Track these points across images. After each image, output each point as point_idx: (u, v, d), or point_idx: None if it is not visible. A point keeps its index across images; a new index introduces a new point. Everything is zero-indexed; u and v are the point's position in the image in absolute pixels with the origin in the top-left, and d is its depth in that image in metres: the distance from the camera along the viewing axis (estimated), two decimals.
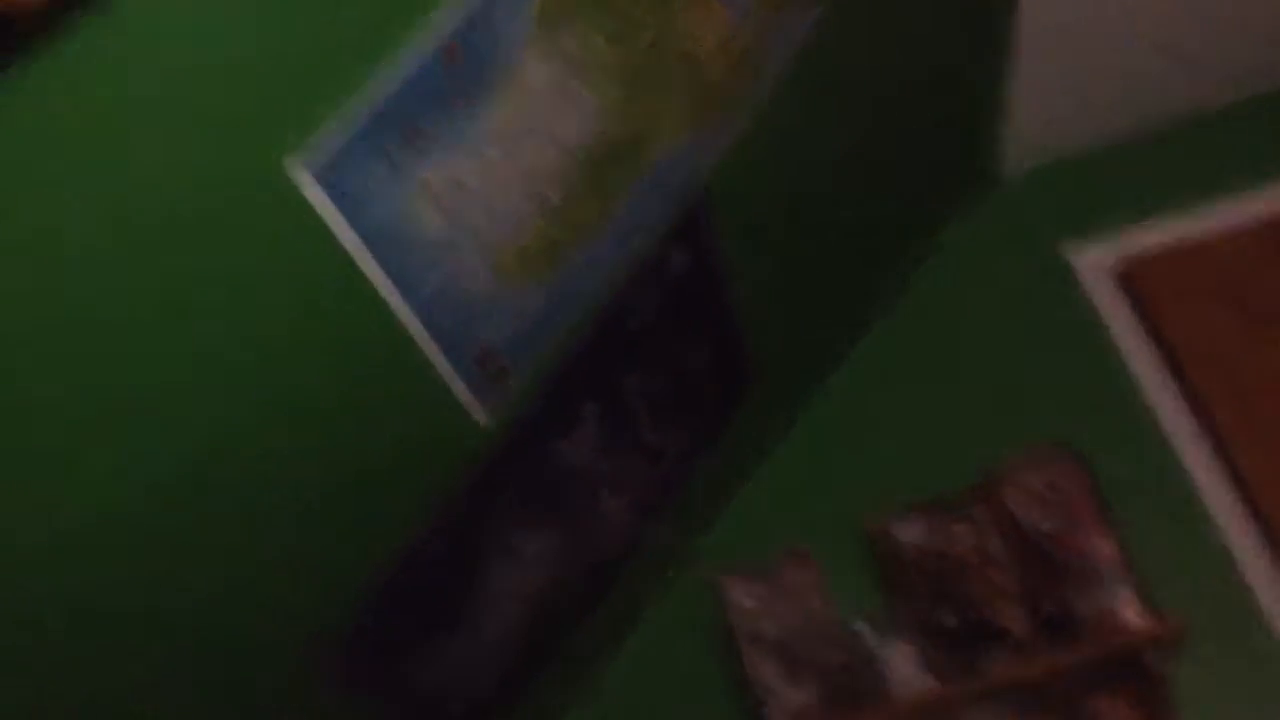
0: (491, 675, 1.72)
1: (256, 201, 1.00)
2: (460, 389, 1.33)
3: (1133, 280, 2.27)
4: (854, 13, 1.64)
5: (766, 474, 2.26)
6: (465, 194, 1.19)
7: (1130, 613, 1.91)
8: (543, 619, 1.76)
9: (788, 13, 1.52)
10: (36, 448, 0.95)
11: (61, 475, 0.98)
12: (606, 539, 1.82)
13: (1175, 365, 2.18)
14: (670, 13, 1.31)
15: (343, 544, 1.34)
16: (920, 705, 1.87)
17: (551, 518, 1.66)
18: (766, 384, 2.06)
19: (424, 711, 1.62)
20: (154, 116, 0.89)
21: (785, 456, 2.27)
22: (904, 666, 1.96)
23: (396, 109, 1.07)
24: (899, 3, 1.79)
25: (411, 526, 1.42)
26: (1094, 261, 2.33)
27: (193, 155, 0.93)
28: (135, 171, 0.90)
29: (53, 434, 0.96)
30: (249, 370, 1.09)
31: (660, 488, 1.91)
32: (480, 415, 1.39)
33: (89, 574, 1.06)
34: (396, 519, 1.40)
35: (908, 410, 2.27)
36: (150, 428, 1.03)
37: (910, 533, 2.06)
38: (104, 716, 1.16)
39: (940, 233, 2.43)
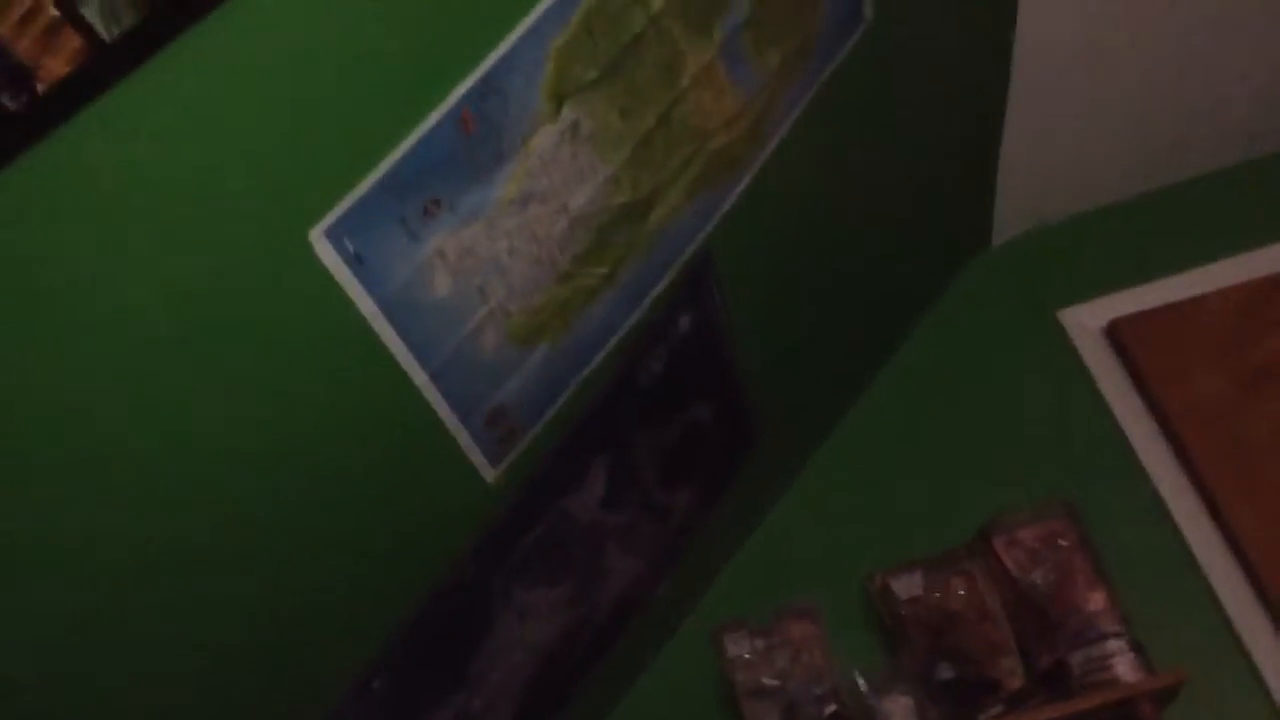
0: None
1: (280, 273, 1.03)
2: (470, 449, 1.36)
3: (1122, 340, 2.32)
4: (854, 80, 1.69)
5: (769, 530, 2.29)
6: (478, 261, 1.23)
7: (1124, 666, 1.93)
8: (547, 671, 1.77)
9: (793, 83, 1.57)
10: (50, 513, 0.98)
11: (77, 541, 1.00)
12: (612, 594, 1.84)
13: (1165, 422, 2.22)
14: (680, 90, 1.36)
15: (351, 604, 1.36)
16: None
17: (559, 574, 1.68)
18: (770, 441, 2.09)
19: None
20: (183, 194, 0.93)
21: (787, 513, 2.30)
22: (901, 718, 1.98)
23: (415, 180, 1.11)
24: (899, 69, 1.85)
25: (420, 585, 1.44)
26: (1084, 322, 2.38)
27: (219, 232, 0.97)
28: (163, 249, 0.93)
29: (65, 500, 0.98)
30: (267, 434, 1.12)
31: (666, 544, 1.93)
32: (489, 475, 1.42)
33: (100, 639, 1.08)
34: (405, 578, 1.42)
35: (906, 468, 2.31)
36: (168, 487, 1.05)
37: (908, 587, 2.08)
38: None
39: (935, 294, 2.48)
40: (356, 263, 1.08)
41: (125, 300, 0.93)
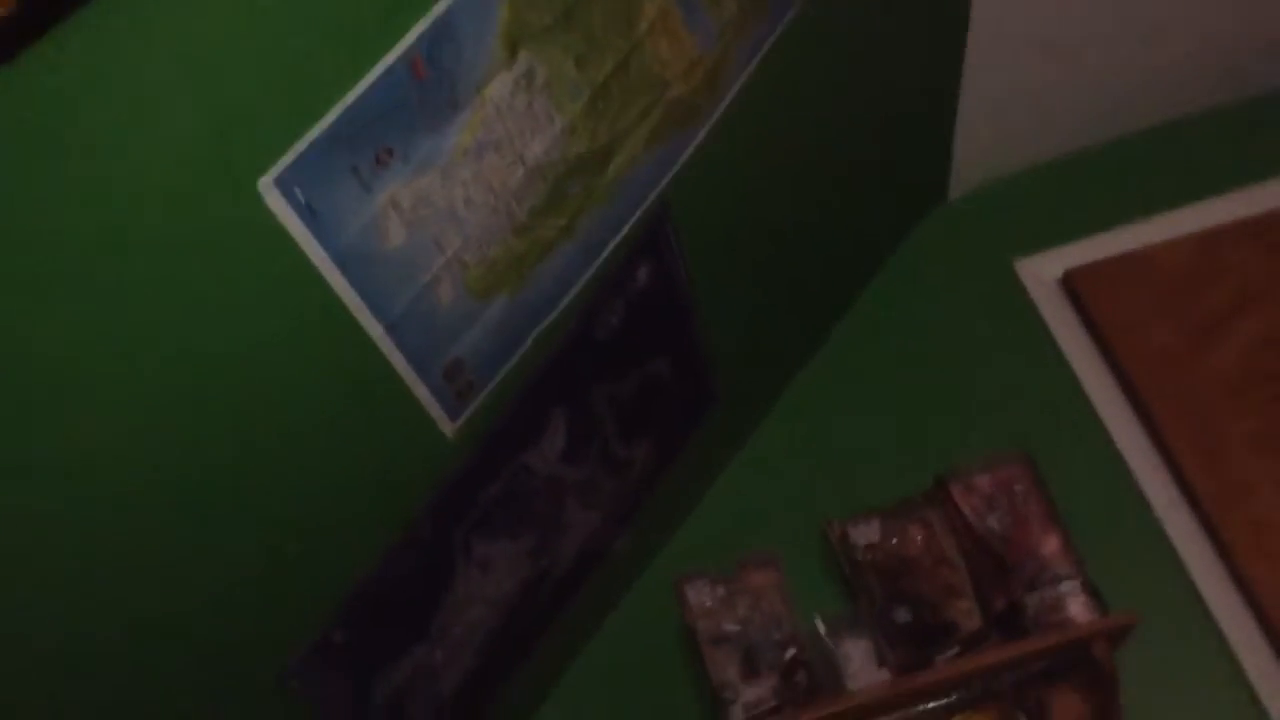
0: (457, 679, 1.74)
1: (228, 223, 1.02)
2: (428, 403, 1.35)
3: (1077, 290, 2.34)
4: (811, 31, 1.68)
5: (729, 481, 2.30)
6: (433, 211, 1.21)
7: (1078, 607, 1.96)
8: (509, 623, 1.78)
9: (751, 32, 1.56)
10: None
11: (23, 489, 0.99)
12: (573, 546, 1.85)
13: (1119, 370, 2.25)
14: (638, 38, 1.34)
15: (311, 557, 1.36)
16: (874, 699, 1.91)
17: (519, 527, 1.69)
18: (729, 393, 2.10)
19: (397, 711, 1.64)
20: (125, 141, 0.90)
21: (747, 464, 2.32)
22: (860, 663, 2.01)
23: (366, 128, 1.09)
24: (855, 23, 1.84)
25: (379, 539, 1.44)
26: (1040, 273, 2.40)
27: (165, 179, 0.95)
28: (107, 197, 0.91)
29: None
30: (219, 386, 1.11)
31: (626, 496, 1.94)
32: (448, 428, 1.41)
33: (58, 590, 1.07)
34: (364, 532, 1.42)
35: (865, 418, 2.33)
36: (117, 441, 1.04)
37: (866, 535, 2.11)
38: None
39: (892, 247, 2.49)
40: (308, 213, 1.06)
41: (70, 253, 0.91)
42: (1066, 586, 1.98)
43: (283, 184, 1.03)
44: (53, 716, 1.15)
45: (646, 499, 2.01)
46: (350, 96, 1.05)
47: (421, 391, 1.33)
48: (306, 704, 1.46)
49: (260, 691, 1.39)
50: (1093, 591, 1.98)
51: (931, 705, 1.95)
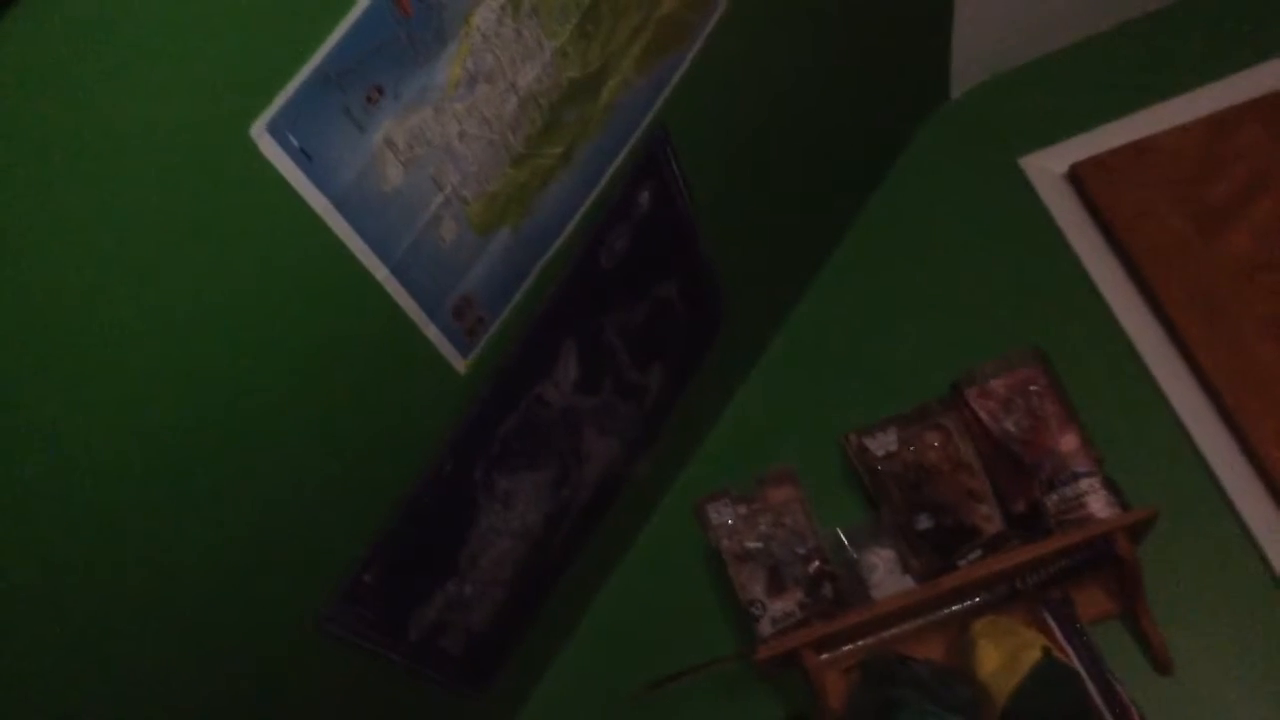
0: (487, 612, 1.76)
1: (226, 172, 1.00)
2: (439, 342, 1.35)
3: (1084, 183, 2.31)
4: None
5: (745, 399, 2.31)
6: (429, 148, 1.20)
7: (1098, 504, 1.97)
8: (535, 554, 1.80)
9: None
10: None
11: (46, 446, 0.99)
12: (593, 475, 1.86)
13: (1129, 262, 2.23)
14: None
15: (333, 502, 1.37)
16: (900, 606, 1.93)
17: (538, 459, 1.69)
18: (739, 312, 2.09)
19: (424, 652, 1.66)
20: (110, 96, 0.89)
21: (761, 381, 2.32)
22: (884, 571, 2.03)
23: (354, 67, 1.07)
24: None
25: (402, 480, 1.45)
26: (1046, 167, 2.37)
27: (155, 132, 0.93)
28: (97, 153, 0.90)
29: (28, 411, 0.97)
30: (225, 337, 1.10)
31: (643, 422, 1.94)
32: (460, 366, 1.41)
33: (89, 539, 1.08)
34: (387, 474, 1.43)
35: (877, 327, 2.32)
36: (125, 395, 1.04)
37: (884, 444, 2.11)
38: (104, 673, 1.19)
39: (896, 151, 2.46)
40: (303, 157, 1.05)
41: (69, 211, 0.90)
42: (1086, 484, 1.99)
43: (275, 129, 1.01)
44: (100, 660, 1.17)
45: (663, 422, 2.02)
46: (335, 35, 1.03)
47: (431, 331, 1.33)
48: (344, 644, 1.48)
49: (299, 635, 1.41)
50: (1112, 487, 1.98)
51: (956, 608, 1.97)
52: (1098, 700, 1.84)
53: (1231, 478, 2.03)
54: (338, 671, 1.54)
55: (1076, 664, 1.87)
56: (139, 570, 1.14)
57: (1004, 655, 1.85)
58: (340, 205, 1.11)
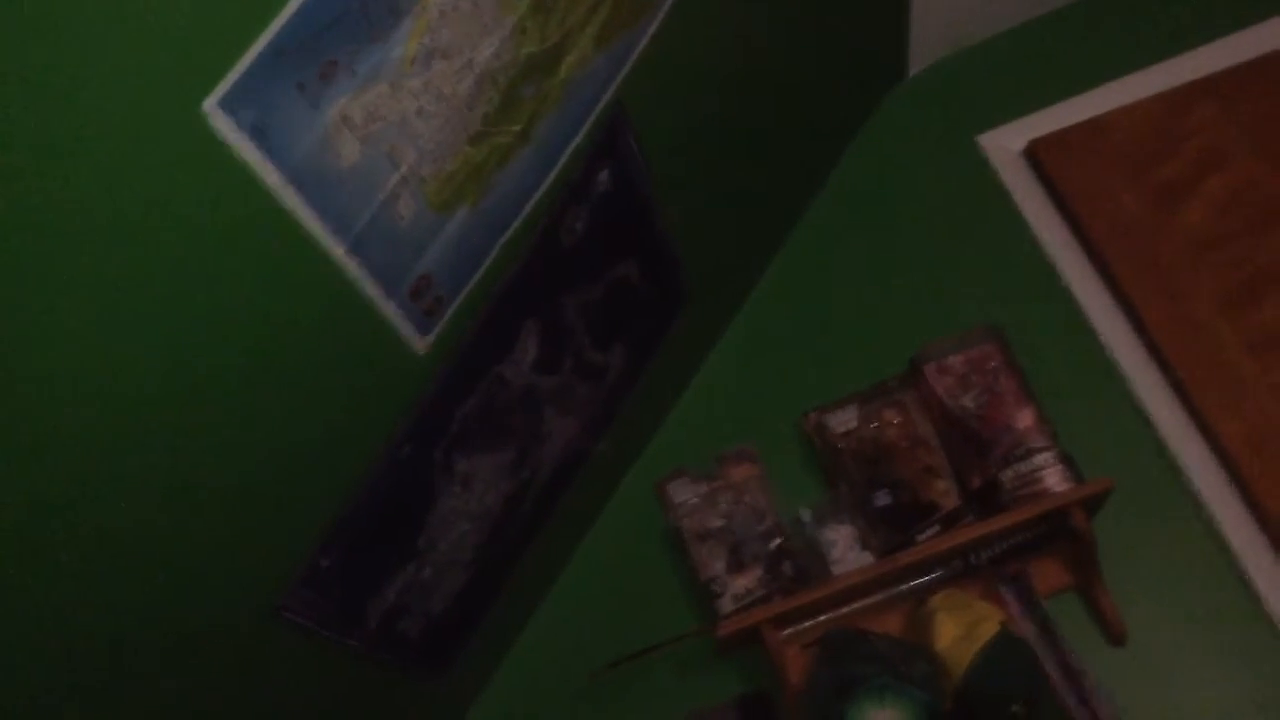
0: (447, 594, 1.75)
1: (178, 149, 0.98)
2: (398, 321, 1.33)
3: (1041, 160, 2.33)
4: None
5: (705, 379, 2.31)
6: (386, 124, 1.18)
7: (1054, 478, 1.99)
8: (495, 536, 1.79)
9: None
10: None
11: None
12: (553, 455, 1.85)
13: (1086, 239, 2.25)
14: None
15: (293, 485, 1.35)
16: (858, 581, 1.94)
17: (498, 440, 1.68)
18: (699, 291, 2.08)
19: (384, 636, 1.65)
20: (58, 73, 0.86)
21: (721, 361, 2.32)
22: (844, 548, 2.04)
23: (308, 42, 1.05)
24: None
25: (360, 462, 1.43)
26: (1004, 145, 2.38)
27: (105, 109, 0.91)
28: (44, 121, 0.87)
29: None
30: (177, 316, 1.08)
31: (603, 402, 1.94)
32: (420, 346, 1.39)
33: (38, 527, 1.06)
34: (344, 456, 1.41)
35: (836, 305, 2.33)
36: (80, 377, 1.02)
37: (843, 422, 2.12)
38: (51, 671, 1.17)
39: (853, 128, 2.46)
40: (257, 133, 1.03)
41: (17, 191, 0.87)
42: (1042, 459, 2.01)
43: (227, 105, 0.99)
44: (53, 661, 1.15)
45: (624, 403, 2.01)
46: (289, 9, 1.01)
47: (390, 310, 1.31)
48: (302, 631, 1.47)
49: (257, 621, 1.40)
50: (1068, 462, 2.00)
51: (915, 583, 1.99)
52: (1053, 672, 1.87)
53: (1184, 450, 2.06)
54: (296, 657, 1.52)
55: (1032, 636, 1.90)
56: (87, 558, 1.12)
57: (961, 628, 1.87)
58: (295, 182, 1.09)
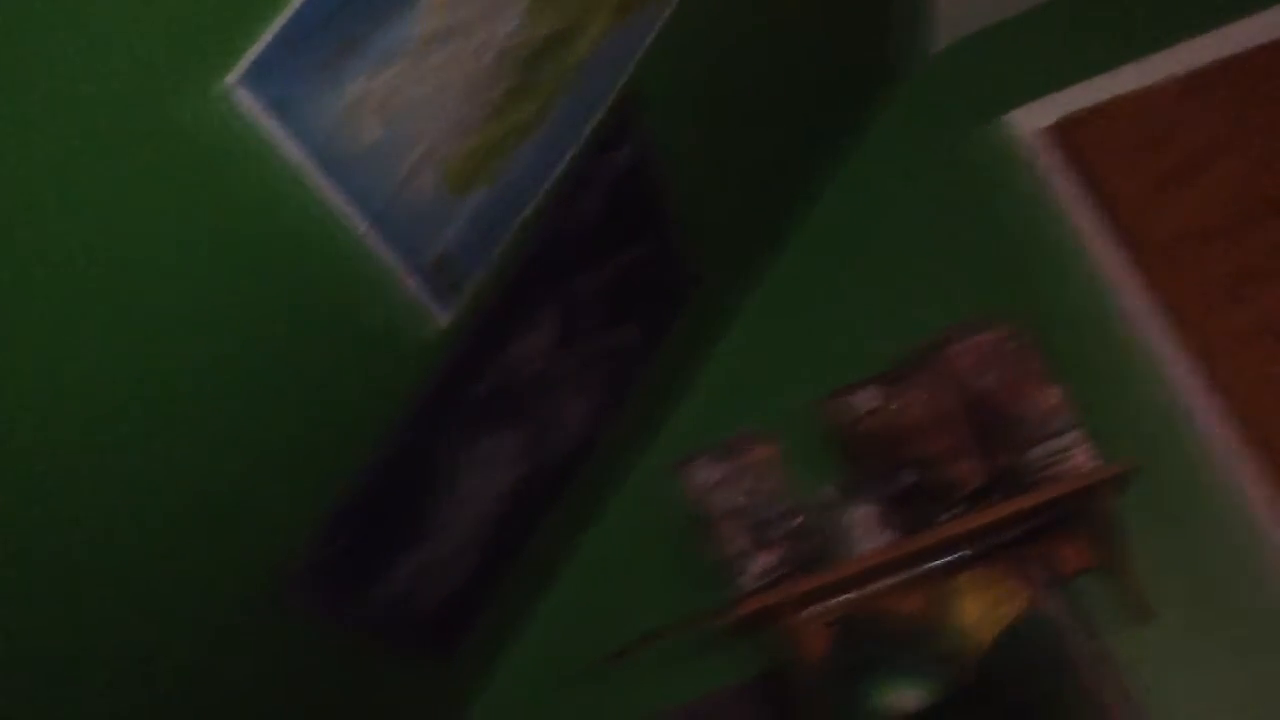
0: (461, 574, 1.77)
1: (201, 126, 1.00)
2: (417, 297, 1.35)
3: (1067, 138, 2.31)
4: None
5: (721, 359, 2.31)
6: (406, 102, 1.20)
7: (1078, 458, 1.98)
8: (510, 515, 1.80)
9: None
10: None
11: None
12: (569, 435, 1.86)
13: (1109, 217, 2.23)
14: None
15: (312, 460, 1.37)
16: (879, 561, 1.94)
17: (512, 418, 1.70)
18: (715, 273, 2.09)
19: (392, 617, 1.67)
20: (85, 38, 0.88)
21: (739, 342, 2.32)
22: (865, 527, 2.04)
23: (328, 20, 1.07)
24: None
25: (376, 440, 1.45)
26: (1029, 123, 2.37)
27: (131, 82, 0.93)
28: (70, 97, 0.89)
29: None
30: (205, 294, 1.10)
31: (618, 382, 1.95)
32: (437, 322, 1.41)
33: (53, 509, 1.09)
34: (360, 434, 1.43)
35: (858, 284, 2.32)
36: (106, 351, 1.04)
37: (865, 402, 2.12)
38: (68, 654, 1.19)
39: (877, 107, 2.45)
40: (279, 110, 1.05)
41: (42, 168, 0.90)
42: (1066, 439, 2.00)
43: (249, 82, 1.01)
44: (61, 637, 1.18)
45: (640, 383, 2.02)
46: None
47: (409, 287, 1.33)
48: (309, 615, 1.49)
49: (265, 604, 1.42)
50: (1091, 442, 1.99)
51: (936, 563, 1.98)
52: (1076, 651, 1.86)
53: (1209, 427, 2.05)
54: (305, 639, 1.54)
55: (1055, 616, 1.89)
56: (95, 539, 1.14)
57: (983, 608, 1.87)
58: (316, 158, 1.11)
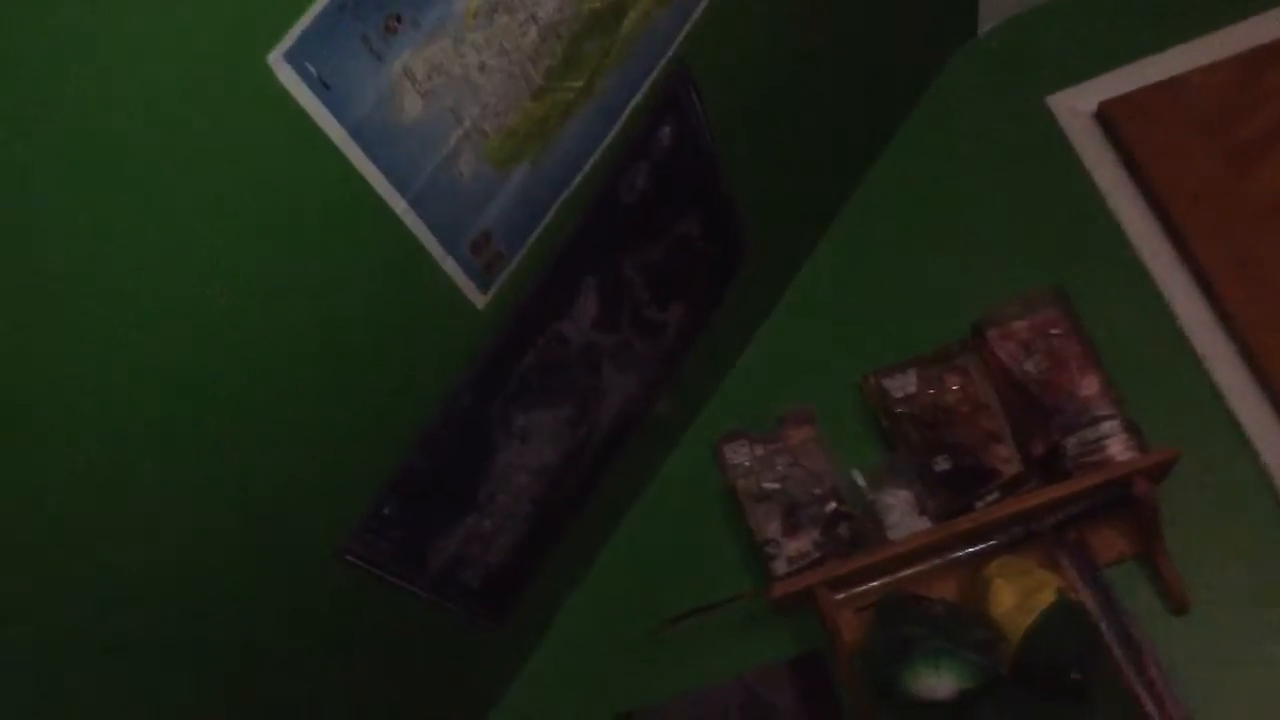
0: (506, 546, 1.78)
1: (244, 101, 0.99)
2: (458, 277, 1.34)
3: (1112, 122, 2.27)
4: None
5: (764, 339, 2.29)
6: (448, 79, 1.18)
7: (1118, 446, 1.97)
8: (553, 491, 1.81)
9: None
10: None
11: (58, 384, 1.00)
12: (612, 412, 1.86)
13: (1157, 203, 2.20)
14: None
15: (352, 436, 1.37)
16: (915, 546, 1.93)
17: (557, 396, 1.69)
18: (760, 250, 2.07)
19: (444, 584, 1.68)
20: (124, 25, 0.87)
21: (781, 321, 2.30)
22: (901, 512, 2.03)
23: None
24: None
25: (421, 415, 1.45)
26: (1074, 106, 2.33)
27: (174, 57, 0.92)
28: (112, 71, 0.89)
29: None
30: (242, 269, 1.10)
31: (662, 360, 1.94)
32: (479, 302, 1.41)
33: (106, 472, 1.09)
34: (405, 409, 1.43)
35: (899, 267, 2.29)
36: (145, 328, 1.04)
37: (903, 385, 2.11)
38: (126, 605, 1.20)
39: (922, 87, 2.42)
40: (321, 86, 1.04)
41: (86, 144, 0.89)
42: (1106, 427, 1.98)
43: (293, 58, 1.00)
44: (127, 598, 1.19)
45: (683, 361, 2.01)
46: None
47: (450, 265, 1.32)
48: (364, 575, 1.50)
49: (322, 566, 1.43)
50: (1133, 430, 1.97)
51: (973, 549, 1.97)
52: (1111, 640, 1.85)
53: (1253, 420, 2.02)
54: (360, 603, 1.55)
55: (1091, 604, 1.88)
56: (162, 506, 1.16)
57: (1019, 595, 1.86)
58: (358, 135, 1.10)
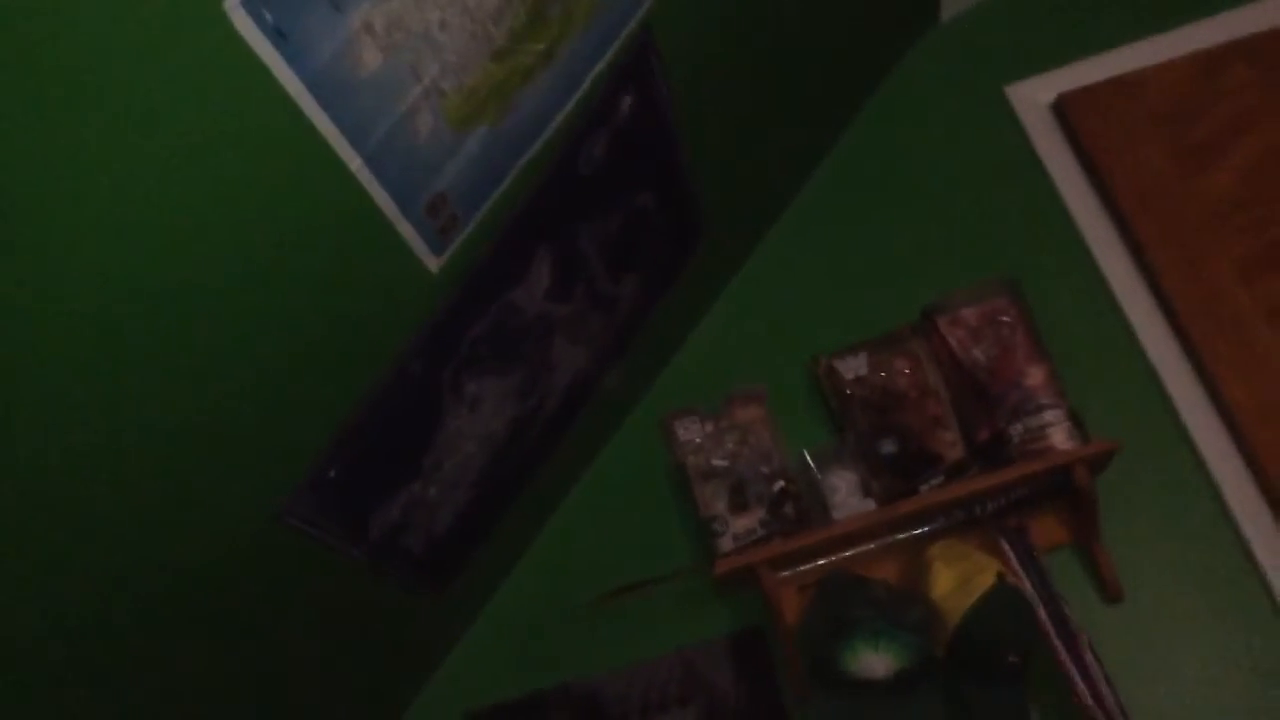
0: (450, 514, 1.76)
1: (194, 46, 0.97)
2: (412, 238, 1.33)
3: (1069, 115, 2.29)
4: None
5: (717, 317, 2.30)
6: (408, 35, 1.16)
7: (1061, 435, 1.99)
8: (500, 460, 1.79)
9: None
10: None
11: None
12: (562, 384, 1.85)
13: (1109, 197, 2.22)
14: None
15: (303, 397, 1.35)
16: (858, 527, 1.95)
17: (507, 365, 1.68)
18: (716, 227, 2.07)
19: (385, 550, 1.67)
20: None
21: (734, 300, 2.31)
22: (846, 493, 2.04)
23: None
24: None
25: (369, 377, 1.43)
26: (1032, 97, 2.34)
27: (127, 2, 0.89)
28: (68, 23, 0.86)
29: None
30: (187, 217, 1.07)
31: (614, 334, 1.93)
32: (432, 265, 1.39)
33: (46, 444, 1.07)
34: (354, 370, 1.41)
35: (853, 250, 2.30)
36: (91, 281, 1.02)
37: (853, 368, 2.12)
38: (65, 573, 1.18)
39: (882, 73, 2.42)
40: (278, 35, 1.01)
41: (35, 87, 0.86)
42: (1050, 415, 2.00)
43: (250, 4, 0.98)
44: (56, 561, 1.16)
45: (635, 335, 2.01)
46: None
47: (404, 226, 1.30)
48: (304, 539, 1.48)
49: (260, 526, 1.41)
50: (1075, 420, 2.00)
51: (915, 532, 1.99)
52: (1047, 624, 1.88)
53: (1193, 414, 2.05)
54: (299, 565, 1.54)
55: (1028, 589, 1.90)
56: (92, 456, 1.13)
57: (958, 578, 1.88)
58: (314, 88, 1.08)
